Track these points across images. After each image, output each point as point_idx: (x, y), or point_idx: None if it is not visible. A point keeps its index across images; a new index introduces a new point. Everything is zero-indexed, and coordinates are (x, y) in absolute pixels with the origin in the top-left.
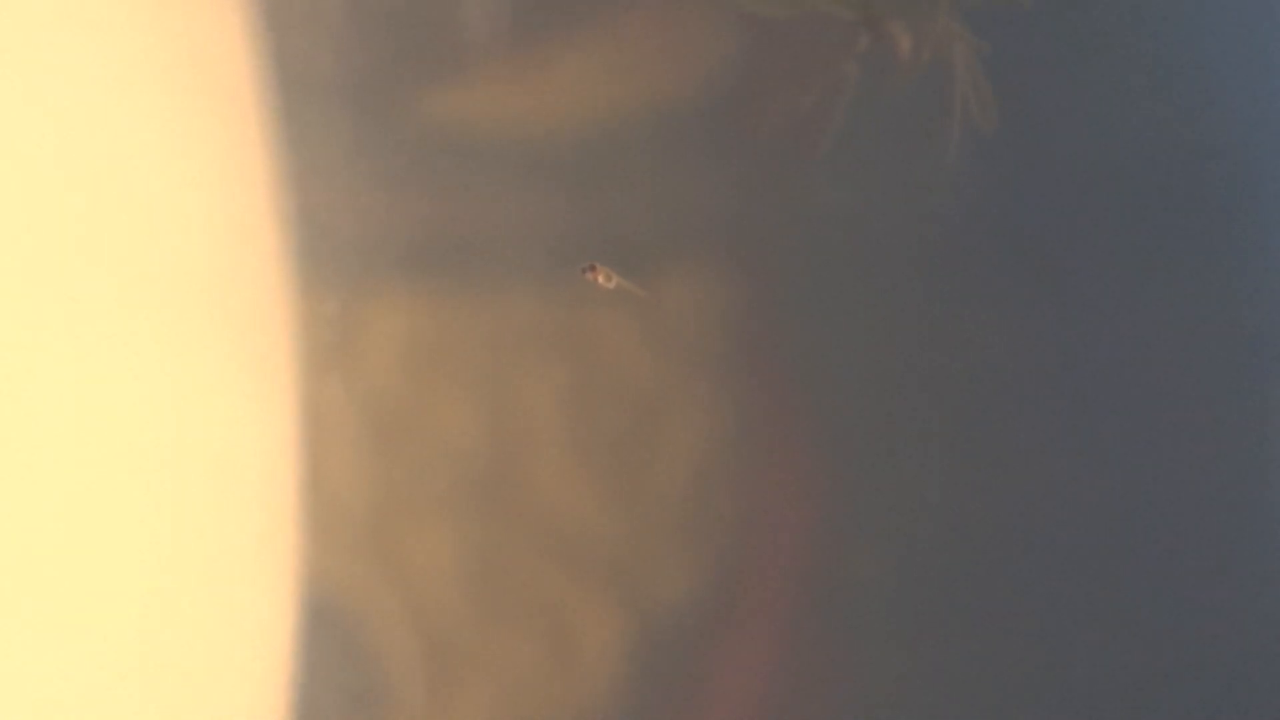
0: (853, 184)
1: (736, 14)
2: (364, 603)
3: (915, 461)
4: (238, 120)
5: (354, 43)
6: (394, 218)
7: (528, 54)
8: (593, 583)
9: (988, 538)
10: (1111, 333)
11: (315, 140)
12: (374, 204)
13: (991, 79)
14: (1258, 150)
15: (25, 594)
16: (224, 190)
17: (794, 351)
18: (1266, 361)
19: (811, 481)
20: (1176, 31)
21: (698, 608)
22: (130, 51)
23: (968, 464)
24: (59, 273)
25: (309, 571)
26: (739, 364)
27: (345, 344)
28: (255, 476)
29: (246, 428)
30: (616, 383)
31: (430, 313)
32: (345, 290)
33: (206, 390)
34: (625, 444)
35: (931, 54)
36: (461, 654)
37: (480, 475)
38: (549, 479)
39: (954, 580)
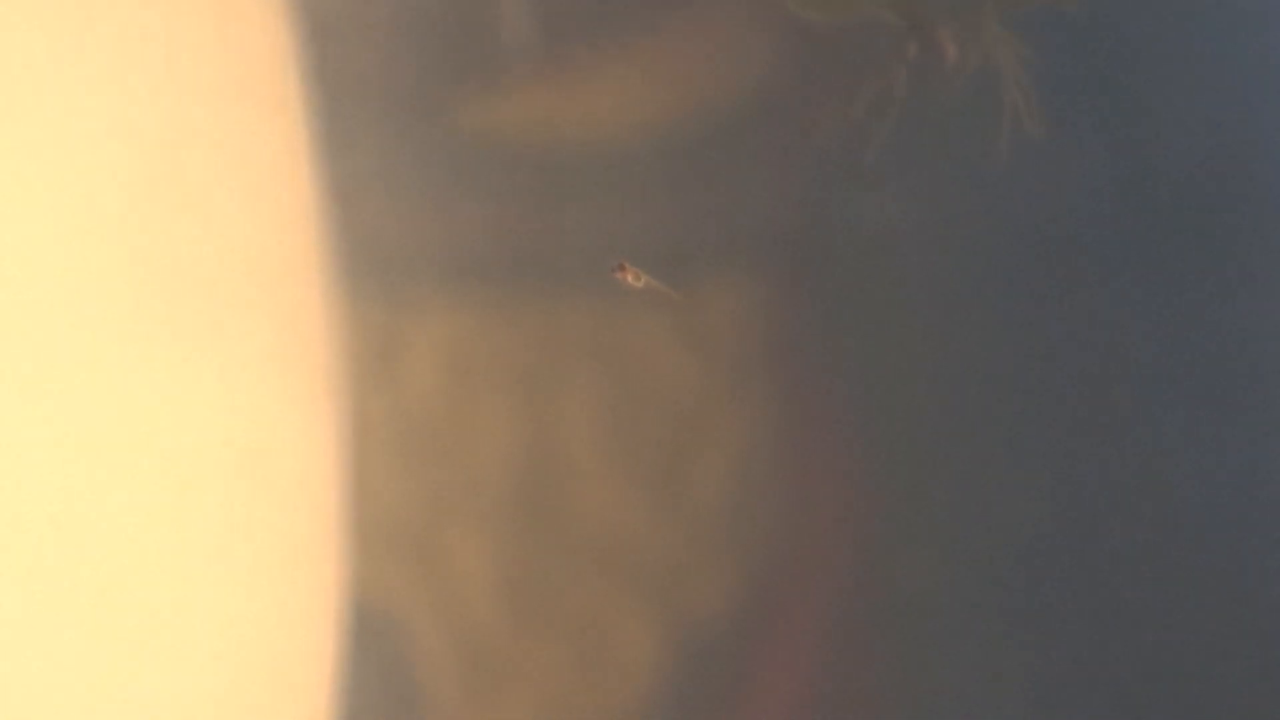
0: (899, 190)
1: (781, 21)
2: (405, 610)
3: (957, 468)
4: (285, 130)
5: (399, 53)
6: (436, 227)
7: (570, 63)
8: (632, 591)
9: (1029, 544)
10: (1157, 338)
11: (360, 150)
12: (416, 213)
13: (1038, 85)
14: None
15: (71, 598)
16: (271, 200)
17: (836, 359)
18: None
19: (852, 489)
20: (1223, 35)
21: (737, 616)
22: (180, 63)
23: (1010, 470)
24: (108, 280)
25: (351, 578)
26: (781, 372)
27: (388, 353)
28: (300, 484)
29: (292, 436)
30: (657, 391)
31: (472, 321)
32: (388, 299)
33: (252, 398)
34: (666, 453)
35: (979, 61)
36: (501, 662)
37: (521, 484)
38: (589, 488)
39: (995, 586)
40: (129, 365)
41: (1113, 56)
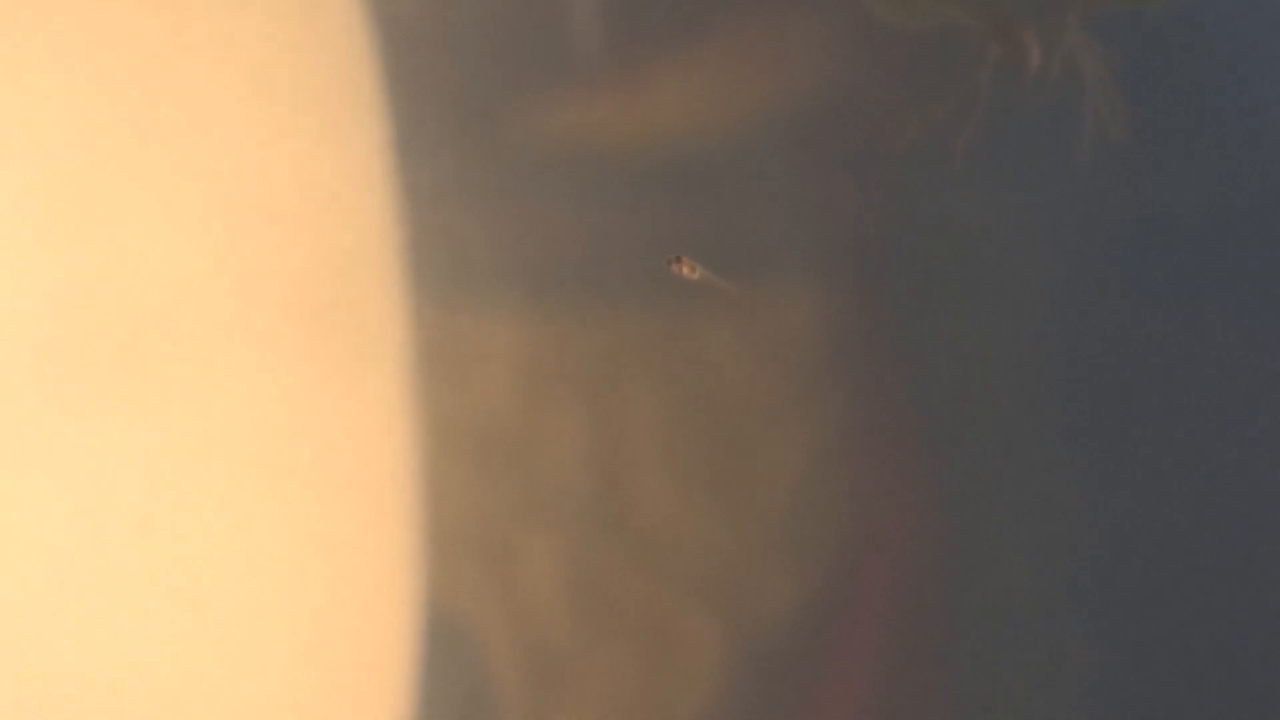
0: (977, 194)
1: (863, 24)
2: (472, 614)
3: (1021, 471)
4: (364, 137)
5: (472, 60)
6: (507, 232)
7: (642, 68)
8: (698, 596)
9: (1098, 551)
10: (1243, 346)
11: (433, 156)
12: (487, 219)
13: (1121, 88)
14: None
15: (154, 602)
16: (350, 205)
17: (900, 364)
18: None
19: (915, 493)
20: None
21: (801, 620)
22: (262, 71)
23: (1075, 473)
24: (192, 286)
25: (423, 582)
26: (844, 376)
27: (460, 358)
28: (375, 488)
29: (367, 441)
30: (723, 397)
31: (538, 327)
32: (460, 305)
33: (329, 403)
34: (729, 457)
35: (1062, 64)
36: (568, 665)
37: (586, 488)
38: (654, 492)
39: (1060, 590)
40: (212, 371)
41: (1196, 58)
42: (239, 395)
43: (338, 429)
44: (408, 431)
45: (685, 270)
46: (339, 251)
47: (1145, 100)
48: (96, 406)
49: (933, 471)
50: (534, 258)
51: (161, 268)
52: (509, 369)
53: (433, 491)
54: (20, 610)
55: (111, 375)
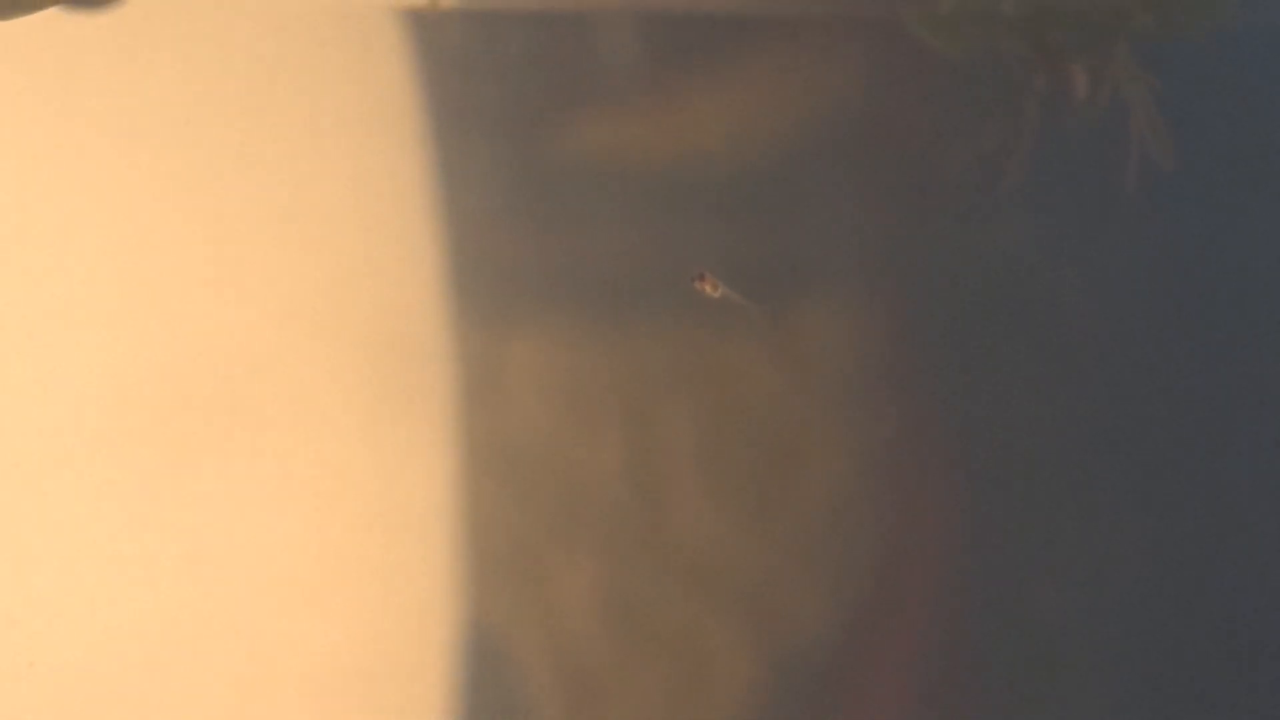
0: (1017, 220)
1: (911, 50)
2: (510, 632)
3: (1056, 491)
4: (406, 161)
5: (509, 85)
6: (541, 254)
7: (678, 90)
8: (731, 612)
9: (1130, 565)
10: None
11: (469, 178)
12: (522, 242)
13: (1167, 117)
14: None
15: (197, 624)
16: (390, 233)
17: (934, 382)
18: None
19: (948, 512)
20: None
21: (836, 638)
22: (311, 97)
23: (1109, 492)
24: (236, 306)
25: (460, 602)
26: (879, 395)
27: (494, 377)
28: (413, 510)
29: (406, 463)
30: (754, 415)
31: (571, 346)
32: (494, 324)
33: (369, 427)
34: (763, 475)
35: (1109, 94)
36: (603, 683)
37: (623, 508)
38: (690, 511)
39: (1094, 607)
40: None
41: (1242, 88)
42: (289, 421)
43: (383, 452)
44: (449, 453)
45: (708, 288)
46: (384, 277)
47: (1190, 129)
48: (168, 451)
49: (967, 490)
50: (571, 278)
51: (219, 301)
52: (546, 389)
53: (472, 512)
54: (86, 638)
55: (179, 414)
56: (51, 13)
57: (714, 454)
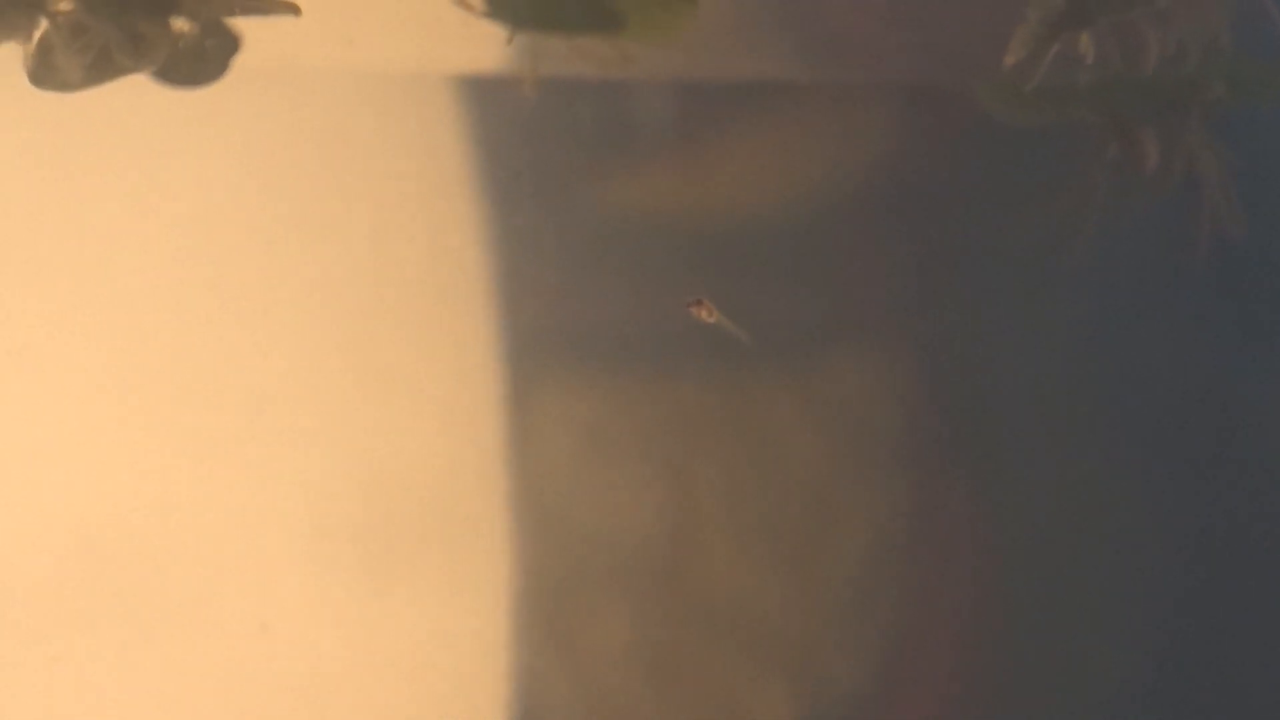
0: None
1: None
2: (539, 682)
3: (1089, 548)
4: (454, 218)
5: (536, 140)
6: (568, 305)
7: (706, 143)
8: (764, 664)
9: (1168, 618)
10: None
11: (500, 233)
12: (548, 292)
13: (1238, 186)
14: None
15: (235, 627)
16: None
17: (965, 433)
18: None
19: (982, 562)
20: None
21: (869, 690)
22: (358, 159)
23: (1145, 547)
24: (281, 340)
25: (489, 645)
26: (908, 446)
27: (526, 425)
28: (441, 554)
29: (439, 509)
30: (786, 466)
31: (602, 396)
32: (524, 377)
33: (406, 465)
34: (795, 527)
35: (1181, 164)
36: None
37: (653, 559)
38: (719, 561)
39: (1129, 662)
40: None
41: None
42: (340, 466)
43: (408, 491)
44: (483, 505)
45: (704, 314)
46: (430, 326)
47: (1263, 199)
48: (219, 480)
49: (998, 542)
50: (597, 329)
51: (266, 326)
52: (574, 439)
53: (496, 557)
54: None
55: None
56: (134, 80)
57: (746, 506)
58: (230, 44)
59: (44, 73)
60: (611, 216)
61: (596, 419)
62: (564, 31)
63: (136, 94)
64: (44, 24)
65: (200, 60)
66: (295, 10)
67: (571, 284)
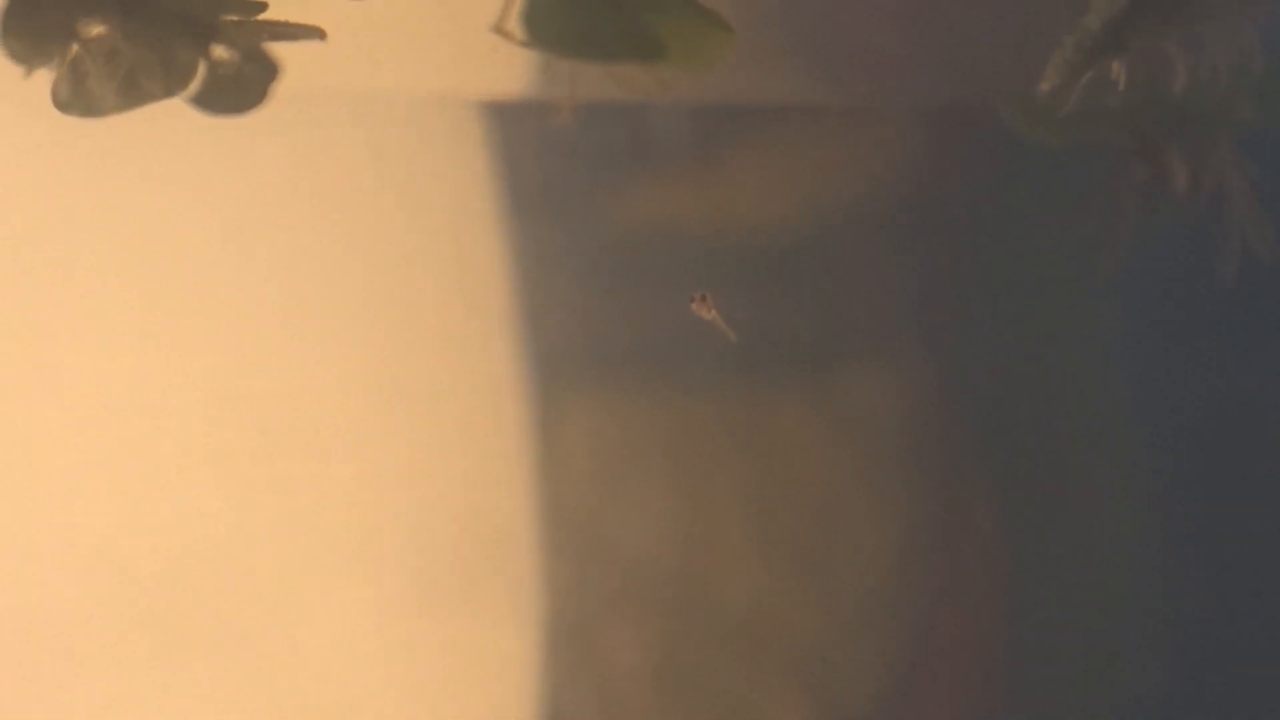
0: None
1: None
2: (564, 697)
3: (1105, 556)
4: (474, 240)
5: (553, 151)
6: (585, 319)
7: (722, 157)
8: (781, 677)
9: (1185, 631)
10: None
11: (513, 247)
12: (565, 306)
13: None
14: None
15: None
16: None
17: (980, 448)
18: None
19: (998, 573)
20: None
21: (884, 703)
22: (389, 184)
23: (1162, 559)
24: (308, 360)
25: (509, 666)
26: (924, 461)
27: (541, 443)
28: (461, 571)
29: (461, 521)
30: (804, 479)
31: (618, 411)
32: (545, 392)
33: (426, 484)
34: (813, 539)
35: (1210, 184)
36: None
37: (671, 571)
38: (735, 576)
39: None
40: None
41: None
42: (371, 490)
43: (431, 508)
44: (502, 520)
45: (704, 311)
46: (453, 345)
47: None
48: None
49: (1014, 553)
50: (615, 343)
51: (303, 344)
52: (596, 455)
53: (513, 573)
54: None
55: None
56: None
57: (765, 519)
58: (270, 71)
59: (72, 98)
60: (636, 236)
61: (619, 435)
62: (605, 60)
63: (166, 118)
64: (74, 49)
65: (240, 88)
66: (321, 35)
67: (595, 303)
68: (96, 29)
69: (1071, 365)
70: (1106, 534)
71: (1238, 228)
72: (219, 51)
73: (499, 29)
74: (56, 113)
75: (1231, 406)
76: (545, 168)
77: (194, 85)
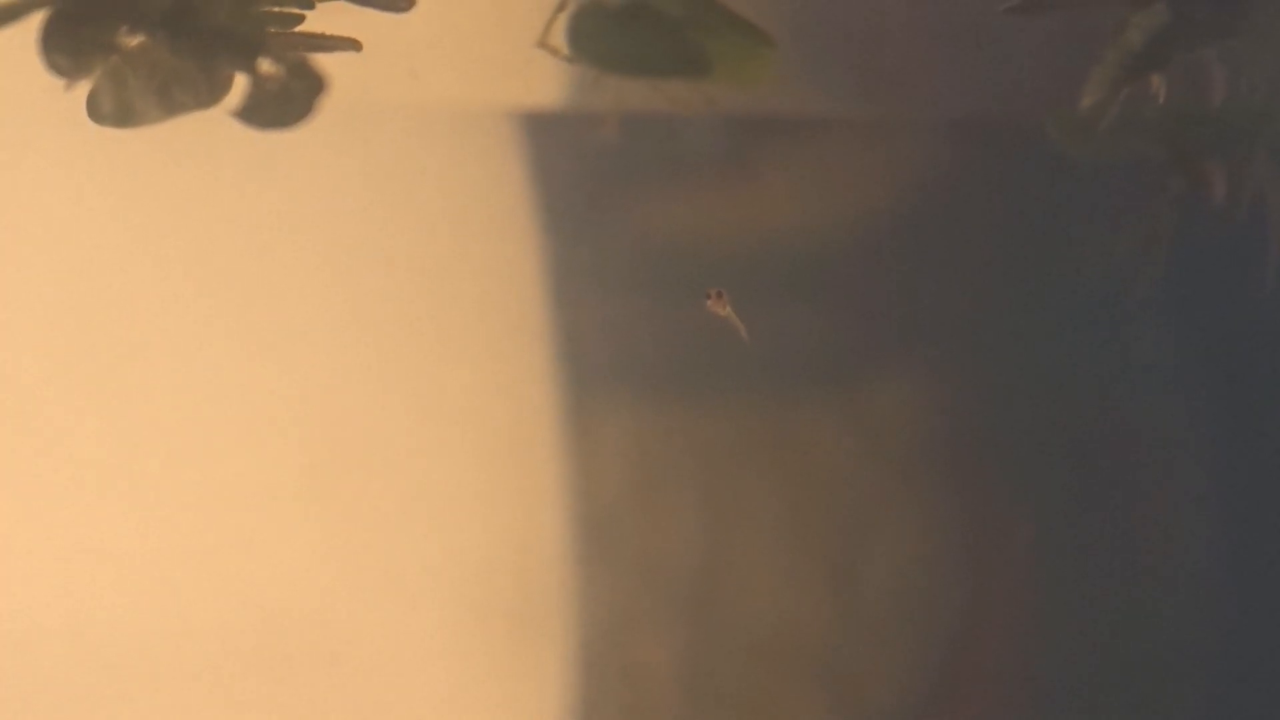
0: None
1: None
2: (588, 706)
3: (1139, 564)
4: (510, 252)
5: (582, 158)
6: (614, 328)
7: (762, 179)
8: (811, 690)
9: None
10: None
11: (542, 254)
12: (594, 315)
13: None
14: None
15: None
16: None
17: (1014, 461)
18: None
19: (1028, 585)
20: None
21: (914, 709)
22: (422, 197)
23: (1199, 570)
24: (341, 373)
25: (538, 673)
26: (955, 473)
27: (570, 453)
28: (490, 578)
29: (489, 531)
30: (832, 490)
31: (652, 423)
32: (578, 404)
33: (455, 496)
34: (842, 553)
35: (1249, 197)
36: None
37: (699, 580)
38: (767, 587)
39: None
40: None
41: None
42: (405, 491)
43: (459, 520)
44: (520, 520)
45: (720, 308)
46: (475, 356)
47: None
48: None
49: (1043, 564)
50: (651, 355)
51: (342, 357)
52: (628, 467)
53: (541, 581)
54: None
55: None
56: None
57: (796, 530)
58: (315, 85)
59: (108, 108)
60: (668, 249)
61: (653, 446)
62: (650, 76)
63: (200, 131)
64: (111, 60)
65: (287, 102)
66: (357, 46)
67: (631, 315)
68: (137, 40)
69: (1108, 377)
70: (1142, 546)
71: (1276, 240)
72: (265, 66)
73: (543, 44)
74: (96, 125)
75: (1272, 419)
76: (582, 180)
77: (239, 99)
